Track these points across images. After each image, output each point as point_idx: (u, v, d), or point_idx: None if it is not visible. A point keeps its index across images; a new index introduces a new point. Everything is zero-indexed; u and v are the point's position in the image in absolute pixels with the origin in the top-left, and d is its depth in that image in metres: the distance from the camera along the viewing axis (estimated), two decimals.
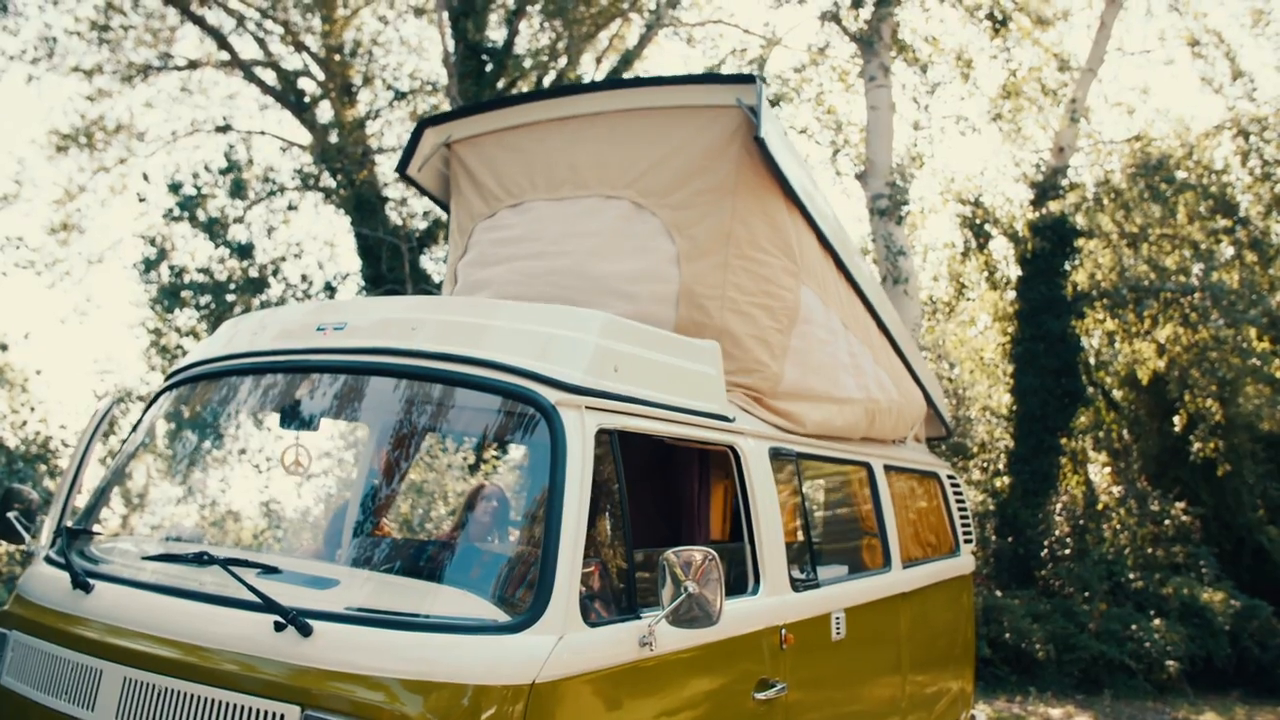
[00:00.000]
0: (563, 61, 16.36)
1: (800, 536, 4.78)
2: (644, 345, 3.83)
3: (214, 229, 14.41)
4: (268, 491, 4.02)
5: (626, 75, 15.77)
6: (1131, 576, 13.65)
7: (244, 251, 14.74)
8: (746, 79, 4.61)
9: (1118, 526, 14.44)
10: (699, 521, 5.05)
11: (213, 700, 2.92)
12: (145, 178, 15.27)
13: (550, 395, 3.27)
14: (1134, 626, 12.71)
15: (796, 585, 4.47)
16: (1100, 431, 16.62)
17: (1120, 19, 15.08)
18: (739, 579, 4.29)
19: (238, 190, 14.82)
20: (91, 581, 3.39)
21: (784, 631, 4.26)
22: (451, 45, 15.28)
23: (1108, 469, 15.56)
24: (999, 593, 12.90)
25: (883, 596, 5.55)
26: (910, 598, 5.91)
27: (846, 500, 5.85)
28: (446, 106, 16.20)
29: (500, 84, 15.75)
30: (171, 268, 14.20)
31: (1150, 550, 14.36)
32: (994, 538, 13.75)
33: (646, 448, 4.76)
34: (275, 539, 4.11)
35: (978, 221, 14.30)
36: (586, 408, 3.33)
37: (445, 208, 5.53)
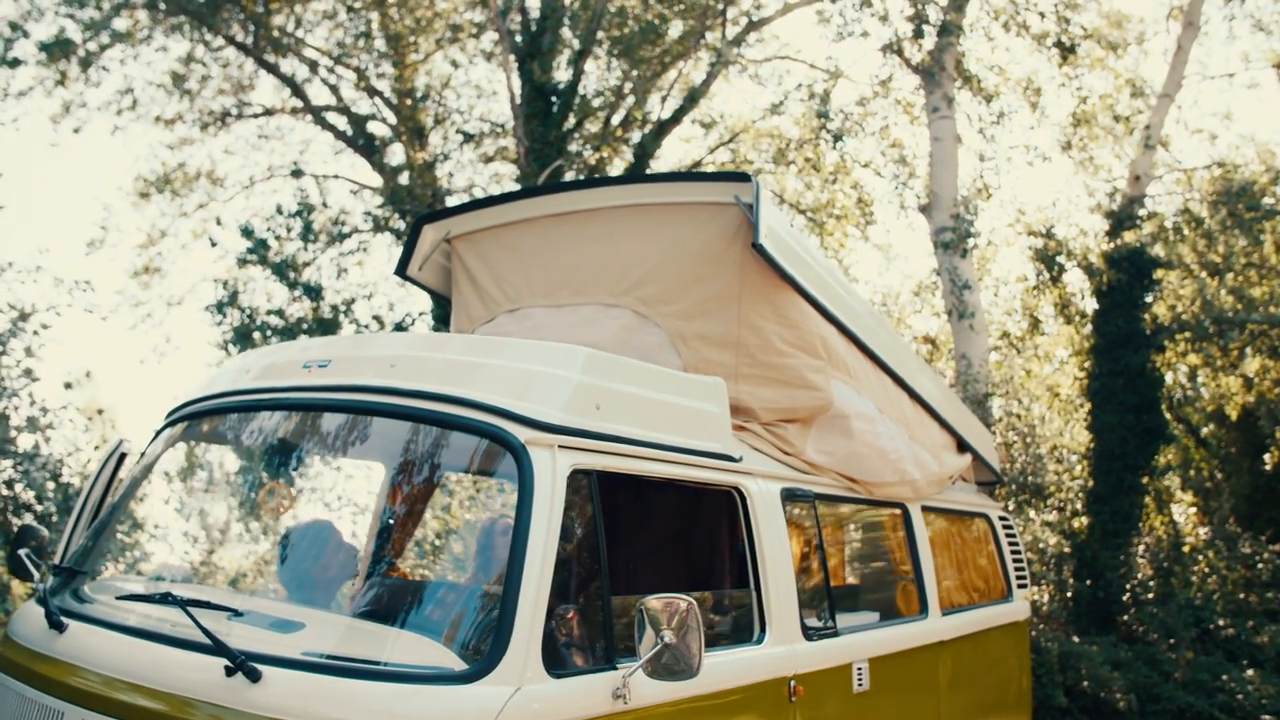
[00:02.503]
0: (629, 101, 16.43)
1: (818, 582, 4.57)
2: (635, 382, 3.70)
3: (284, 271, 14.69)
4: (250, 530, 3.98)
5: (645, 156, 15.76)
6: (1221, 623, 12.93)
7: (313, 293, 14.99)
8: (742, 177, 4.46)
9: (1205, 570, 13.73)
10: (723, 566, 4.87)
11: None
12: (218, 222, 15.67)
13: (520, 434, 3.16)
14: (1225, 677, 12.01)
15: (810, 634, 4.26)
16: (1191, 470, 15.91)
17: (1199, 43, 14.56)
18: (744, 627, 4.10)
19: (308, 233, 15.11)
20: (66, 621, 3.37)
21: (793, 683, 4.05)
22: (518, 87, 15.43)
23: (1193, 509, 14.86)
24: (1076, 638, 12.33)
25: (917, 645, 5.29)
26: (950, 646, 5.63)
27: (878, 544, 5.62)
28: (514, 148, 16.37)
29: (567, 125, 15.86)
30: (242, 310, 14.50)
31: (1243, 596, 13.60)
32: (1071, 580, 13.18)
33: (672, 491, 4.64)
34: (254, 580, 4.06)
35: (1050, 254, 13.85)
36: (560, 447, 3.21)
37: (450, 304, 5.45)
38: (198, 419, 3.91)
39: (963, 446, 6.58)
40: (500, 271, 5.04)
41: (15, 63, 14.40)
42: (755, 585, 4.06)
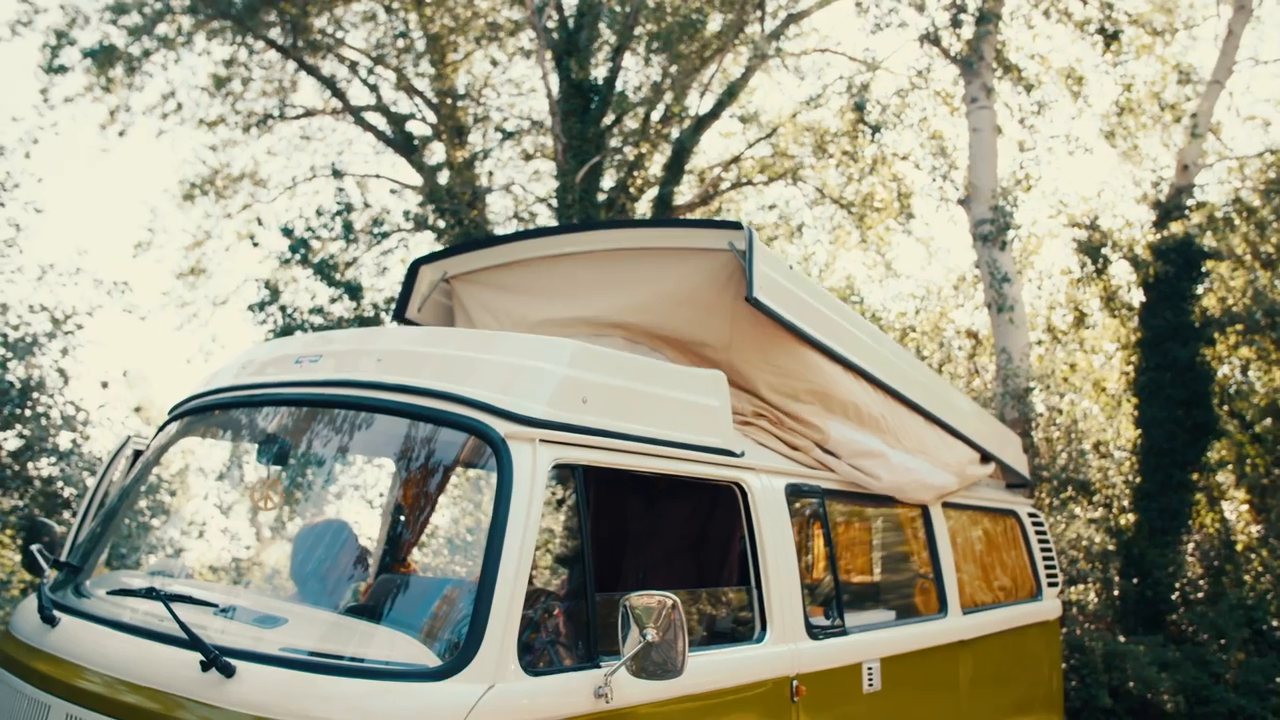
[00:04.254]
0: (668, 96, 16.36)
1: (825, 580, 4.48)
2: (626, 375, 3.64)
3: (324, 270, 14.81)
4: (244, 526, 3.98)
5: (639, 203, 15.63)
6: (1275, 623, 12.56)
7: (354, 291, 15.09)
8: (735, 225, 4.39)
9: (1259, 568, 13.34)
10: (726, 563, 4.81)
11: None
12: (259, 222, 15.84)
13: (501, 427, 3.12)
14: (1278, 679, 11.68)
15: (815, 632, 4.17)
16: (1246, 466, 15.47)
17: (1251, 27, 14.14)
18: (745, 625, 4.03)
19: (348, 233, 15.23)
20: (58, 615, 3.39)
21: (795, 682, 3.97)
22: (555, 84, 15.42)
23: (1246, 506, 14.44)
24: (1122, 638, 12.05)
25: (934, 645, 5.18)
26: (972, 645, 5.51)
27: (895, 541, 5.50)
28: (551, 145, 16.37)
29: (605, 121, 15.83)
30: (283, 308, 14.64)
31: None
32: (1117, 579, 12.88)
33: (672, 486, 4.58)
34: (245, 575, 4.07)
35: (1094, 246, 13.54)
36: (541, 441, 3.15)
37: None
38: (196, 415, 3.93)
39: (986, 458, 6.41)
40: (494, 311, 5.04)
41: (62, 69, 14.67)
42: (756, 582, 3.98)
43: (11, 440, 8.81)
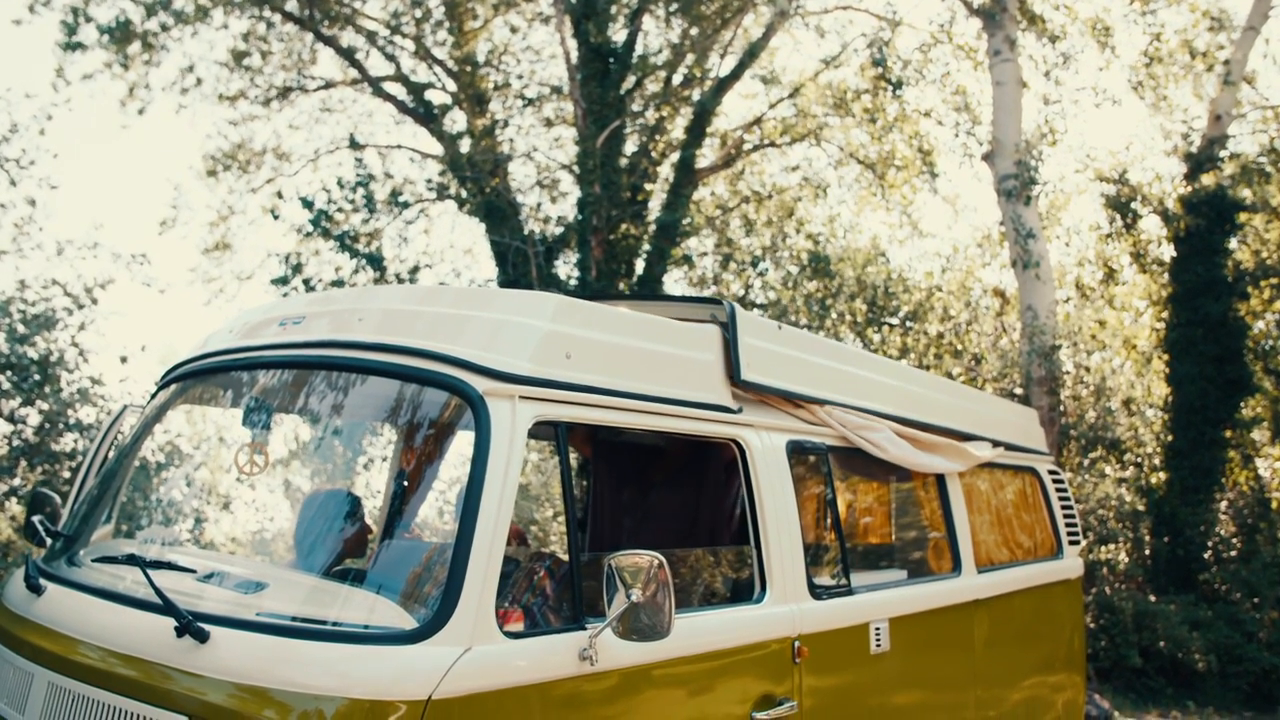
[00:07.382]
0: (689, 59, 16.14)
1: (830, 539, 4.38)
2: (614, 330, 3.55)
3: (346, 241, 14.78)
4: (231, 491, 3.95)
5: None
6: None
7: (375, 262, 15.07)
8: (716, 301, 4.26)
9: None
10: (726, 522, 4.72)
11: (119, 709, 2.81)
12: (279, 195, 15.83)
13: (479, 384, 3.04)
14: None
15: (819, 592, 4.08)
16: None
17: None
18: (744, 585, 3.95)
19: (369, 203, 15.18)
20: (44, 584, 3.36)
21: (797, 644, 3.89)
22: (574, 49, 15.24)
23: None
24: (1153, 597, 11.89)
25: (947, 604, 5.07)
26: (987, 605, 5.40)
27: (907, 499, 5.38)
28: (572, 111, 16.22)
29: (626, 85, 15.65)
30: (305, 281, 14.65)
31: None
32: (1148, 538, 12.70)
33: (670, 444, 4.50)
34: (231, 540, 4.04)
35: (1123, 200, 13.24)
36: (521, 397, 3.07)
37: None
38: (185, 380, 3.88)
39: (997, 444, 6.22)
40: None
41: (79, 47, 14.68)
42: (756, 542, 3.90)
43: (32, 416, 8.86)
